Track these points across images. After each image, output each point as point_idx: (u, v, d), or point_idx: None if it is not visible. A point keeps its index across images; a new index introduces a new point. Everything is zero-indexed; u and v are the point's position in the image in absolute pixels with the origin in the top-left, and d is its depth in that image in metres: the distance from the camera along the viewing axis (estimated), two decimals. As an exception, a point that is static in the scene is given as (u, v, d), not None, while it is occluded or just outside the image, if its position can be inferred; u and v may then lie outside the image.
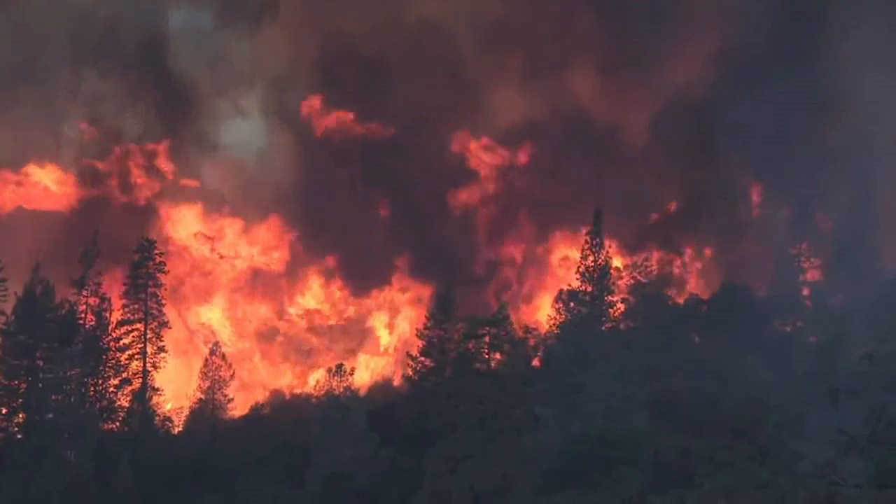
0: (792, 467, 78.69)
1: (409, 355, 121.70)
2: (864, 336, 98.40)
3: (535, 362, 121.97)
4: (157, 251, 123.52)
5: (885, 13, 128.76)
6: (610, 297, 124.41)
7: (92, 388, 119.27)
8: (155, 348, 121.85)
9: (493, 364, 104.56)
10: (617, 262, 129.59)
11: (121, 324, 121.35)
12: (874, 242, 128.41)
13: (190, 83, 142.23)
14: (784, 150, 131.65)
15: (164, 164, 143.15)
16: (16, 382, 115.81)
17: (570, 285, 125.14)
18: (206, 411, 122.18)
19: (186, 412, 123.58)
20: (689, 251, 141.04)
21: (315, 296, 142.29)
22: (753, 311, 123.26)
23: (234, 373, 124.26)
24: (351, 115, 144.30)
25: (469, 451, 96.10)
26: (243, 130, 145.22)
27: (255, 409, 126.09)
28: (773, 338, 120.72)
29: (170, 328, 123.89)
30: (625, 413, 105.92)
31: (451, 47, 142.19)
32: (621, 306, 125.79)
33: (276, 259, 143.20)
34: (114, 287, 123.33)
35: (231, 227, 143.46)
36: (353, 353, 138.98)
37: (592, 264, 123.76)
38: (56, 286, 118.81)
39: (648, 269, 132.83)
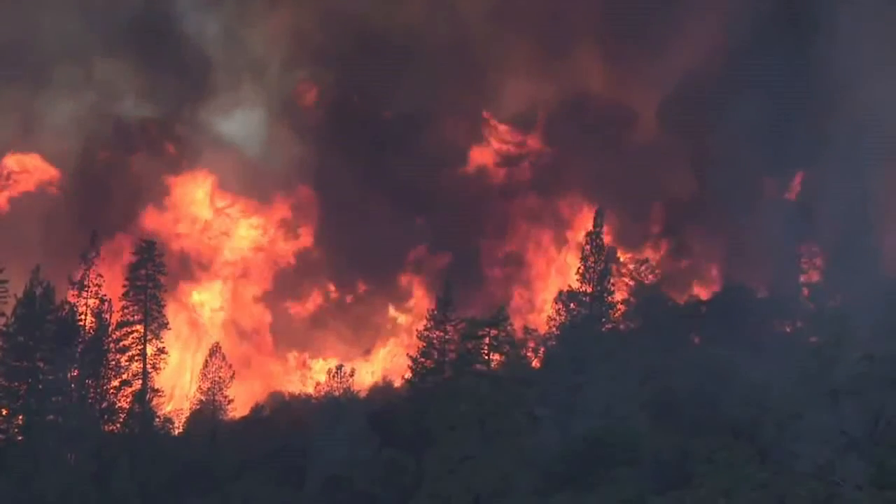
0: (791, 468, 78.62)
1: (409, 356, 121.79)
2: (864, 336, 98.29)
3: (535, 363, 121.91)
4: (157, 252, 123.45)
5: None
6: (610, 298, 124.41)
7: (92, 390, 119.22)
8: (155, 349, 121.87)
9: (492, 365, 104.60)
10: (617, 262, 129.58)
11: (120, 325, 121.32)
12: (874, 243, 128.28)
13: (194, 66, 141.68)
14: (784, 149, 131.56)
15: (167, 149, 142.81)
16: (16, 384, 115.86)
17: (570, 286, 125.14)
18: (206, 412, 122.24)
19: (186, 413, 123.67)
20: (688, 251, 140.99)
21: (315, 296, 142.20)
22: (753, 311, 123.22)
23: (234, 373, 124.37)
24: (354, 98, 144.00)
25: (469, 452, 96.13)
26: (248, 116, 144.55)
27: (255, 411, 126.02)
28: (772, 338, 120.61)
29: (169, 329, 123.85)
30: (624, 414, 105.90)
31: (459, 28, 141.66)
32: (621, 307, 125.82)
33: (280, 251, 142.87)
34: (114, 285, 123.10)
35: (235, 216, 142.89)
36: (352, 353, 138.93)
37: (593, 265, 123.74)
38: (56, 287, 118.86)
39: (648, 270, 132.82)
